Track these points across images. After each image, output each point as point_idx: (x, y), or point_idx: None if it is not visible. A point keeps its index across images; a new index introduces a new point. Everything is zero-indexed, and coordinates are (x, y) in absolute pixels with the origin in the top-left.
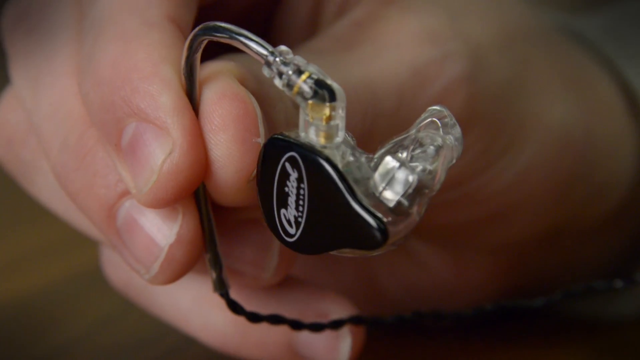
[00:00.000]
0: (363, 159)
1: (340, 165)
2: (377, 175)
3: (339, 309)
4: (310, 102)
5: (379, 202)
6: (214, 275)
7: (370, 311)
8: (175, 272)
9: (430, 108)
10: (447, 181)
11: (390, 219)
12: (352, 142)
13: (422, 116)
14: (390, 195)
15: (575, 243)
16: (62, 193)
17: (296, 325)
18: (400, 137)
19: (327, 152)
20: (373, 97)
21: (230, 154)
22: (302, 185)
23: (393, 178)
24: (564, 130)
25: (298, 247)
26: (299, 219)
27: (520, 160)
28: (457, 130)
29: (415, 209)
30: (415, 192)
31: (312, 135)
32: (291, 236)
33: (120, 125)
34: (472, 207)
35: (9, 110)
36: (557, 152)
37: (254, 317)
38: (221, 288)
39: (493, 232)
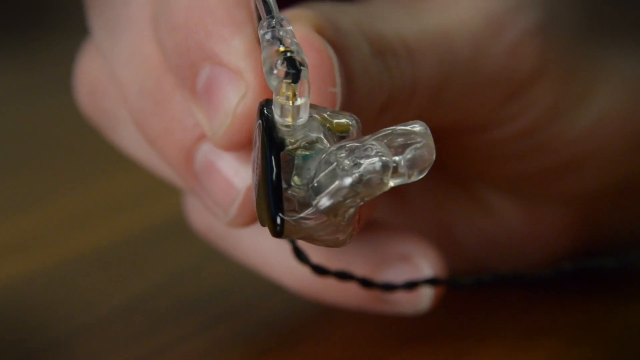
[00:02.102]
0: (323, 147)
1: (288, 148)
2: (316, 170)
3: (422, 252)
4: (275, 77)
5: (307, 196)
6: None
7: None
8: (253, 214)
9: (412, 122)
10: (519, 130)
11: (296, 214)
12: (339, 130)
13: (393, 126)
14: (315, 193)
15: None
16: (143, 140)
17: (366, 283)
18: (362, 139)
19: (282, 131)
20: (449, 45)
21: None
22: (259, 155)
23: (324, 177)
24: (639, 80)
25: (257, 214)
26: (257, 187)
27: (593, 110)
28: (420, 156)
29: (332, 214)
30: (339, 198)
31: (277, 111)
32: (254, 202)
33: (195, 69)
34: (544, 156)
35: (90, 60)
36: (631, 102)
37: (319, 270)
38: None
39: (566, 182)
